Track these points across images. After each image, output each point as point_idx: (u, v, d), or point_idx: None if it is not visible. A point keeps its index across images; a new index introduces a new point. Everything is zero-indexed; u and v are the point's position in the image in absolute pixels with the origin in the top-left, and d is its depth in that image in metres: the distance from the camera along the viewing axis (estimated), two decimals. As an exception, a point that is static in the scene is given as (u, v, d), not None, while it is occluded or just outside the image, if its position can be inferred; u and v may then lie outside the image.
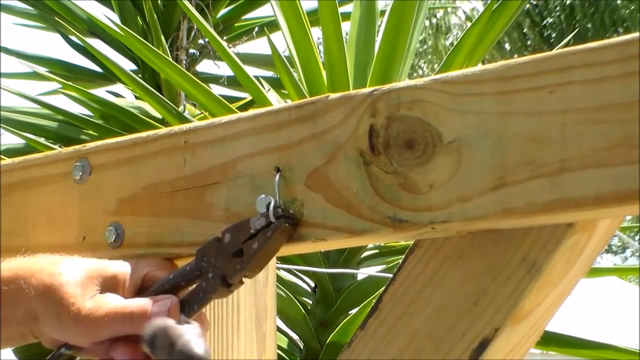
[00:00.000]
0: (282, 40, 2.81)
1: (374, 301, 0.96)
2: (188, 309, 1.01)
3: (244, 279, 1.00)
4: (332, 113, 0.95)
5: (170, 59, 2.97)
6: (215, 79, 4.05)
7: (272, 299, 1.25)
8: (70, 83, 3.32)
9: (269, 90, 3.16)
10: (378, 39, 2.77)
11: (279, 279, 2.64)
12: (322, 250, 2.61)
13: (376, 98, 0.92)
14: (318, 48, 2.75)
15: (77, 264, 1.04)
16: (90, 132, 3.31)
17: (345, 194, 0.93)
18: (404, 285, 0.94)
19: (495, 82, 0.86)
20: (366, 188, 0.92)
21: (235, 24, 4.11)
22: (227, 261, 0.99)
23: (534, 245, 0.88)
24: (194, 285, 1.03)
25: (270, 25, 3.71)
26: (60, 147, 2.60)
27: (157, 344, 0.96)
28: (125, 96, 3.87)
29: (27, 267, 1.04)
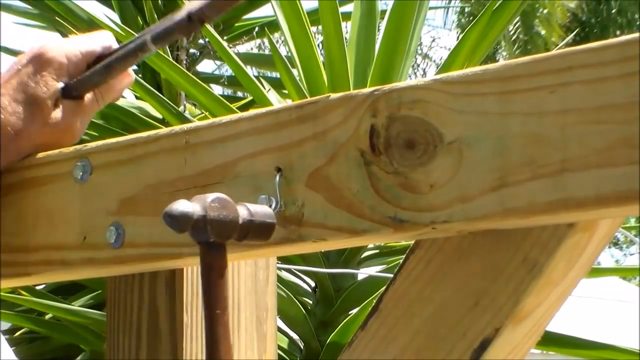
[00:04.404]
0: (283, 40, 2.81)
1: (374, 301, 0.96)
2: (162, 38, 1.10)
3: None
4: (333, 113, 0.95)
5: (171, 59, 2.97)
6: (216, 79, 4.05)
7: (273, 299, 1.24)
8: (70, 83, 3.31)
9: (269, 90, 3.16)
10: (378, 39, 2.78)
11: (279, 279, 2.64)
12: (323, 250, 2.61)
13: (377, 98, 0.92)
14: (318, 48, 2.75)
15: None
16: (91, 132, 3.31)
17: (346, 194, 0.93)
18: (405, 285, 0.94)
19: (496, 82, 0.85)
20: (367, 188, 0.92)
21: (236, 24, 4.11)
22: None
23: (535, 245, 0.88)
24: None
25: (271, 25, 3.71)
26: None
27: None
28: (125, 96, 3.87)
29: None
